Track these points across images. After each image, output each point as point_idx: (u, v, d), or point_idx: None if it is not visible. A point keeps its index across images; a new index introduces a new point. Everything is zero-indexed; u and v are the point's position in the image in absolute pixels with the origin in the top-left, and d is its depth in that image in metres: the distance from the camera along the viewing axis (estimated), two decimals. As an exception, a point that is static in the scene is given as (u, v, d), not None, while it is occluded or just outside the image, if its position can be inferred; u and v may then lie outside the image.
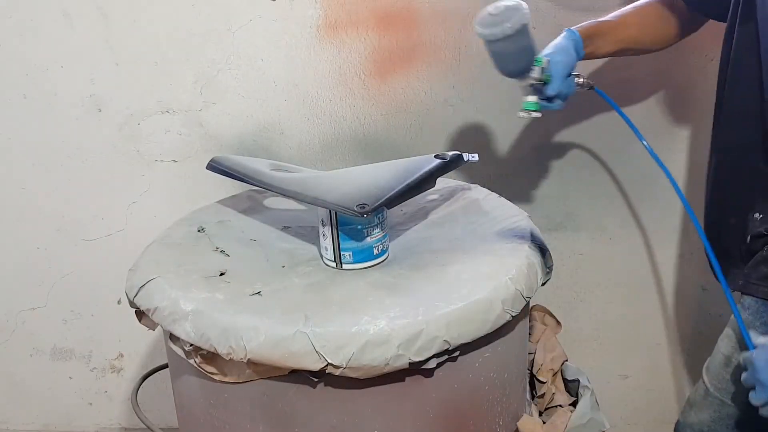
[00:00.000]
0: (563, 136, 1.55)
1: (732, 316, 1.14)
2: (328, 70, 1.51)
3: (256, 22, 1.48)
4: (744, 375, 0.99)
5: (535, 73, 1.09)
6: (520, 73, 1.08)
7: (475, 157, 1.20)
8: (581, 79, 1.17)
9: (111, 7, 1.48)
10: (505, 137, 1.55)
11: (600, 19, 1.21)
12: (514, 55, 1.05)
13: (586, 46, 1.17)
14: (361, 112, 1.54)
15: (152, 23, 1.49)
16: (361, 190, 1.03)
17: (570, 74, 1.14)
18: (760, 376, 0.95)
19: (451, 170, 1.15)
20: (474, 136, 1.55)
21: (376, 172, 1.12)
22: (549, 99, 1.13)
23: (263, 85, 1.52)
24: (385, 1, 1.45)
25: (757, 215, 1.07)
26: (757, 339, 1.00)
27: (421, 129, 1.55)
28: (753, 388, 0.97)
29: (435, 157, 1.14)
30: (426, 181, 1.09)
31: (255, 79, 1.52)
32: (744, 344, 1.09)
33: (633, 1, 1.25)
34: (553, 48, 1.14)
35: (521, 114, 1.12)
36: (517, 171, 1.58)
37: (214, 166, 1.27)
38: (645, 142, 1.10)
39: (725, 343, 1.15)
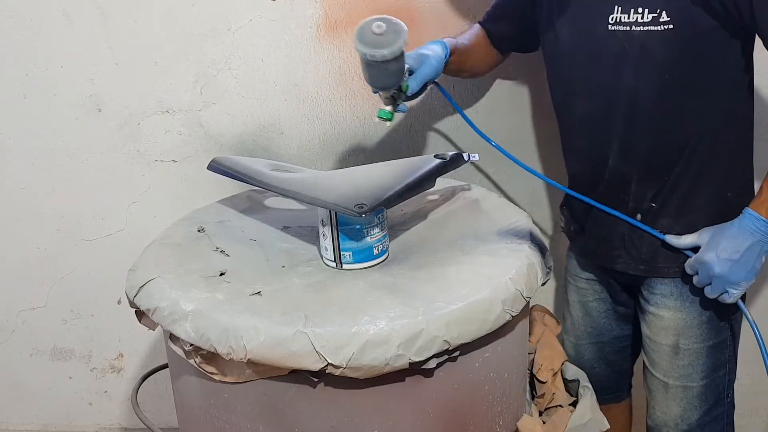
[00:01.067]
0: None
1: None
2: (328, 70, 1.51)
3: (256, 22, 1.47)
4: (696, 278, 1.10)
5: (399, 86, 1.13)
6: (388, 89, 1.11)
7: (476, 156, 1.20)
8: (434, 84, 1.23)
9: (111, 7, 1.48)
10: (505, 137, 1.55)
11: (458, 40, 1.28)
12: (387, 75, 1.07)
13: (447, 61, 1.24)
14: (361, 112, 1.54)
15: (152, 23, 1.49)
16: (359, 190, 1.03)
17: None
18: (713, 272, 1.05)
19: (451, 170, 1.15)
20: (474, 136, 1.55)
21: (376, 172, 1.12)
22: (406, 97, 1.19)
23: (263, 85, 1.52)
24: (385, 1, 1.45)
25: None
26: (681, 240, 1.10)
27: (421, 129, 1.55)
28: (709, 284, 1.08)
29: (435, 156, 1.14)
30: (425, 181, 1.09)
31: (255, 79, 1.52)
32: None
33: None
34: (421, 58, 1.17)
35: (376, 120, 1.16)
36: (517, 171, 1.58)
37: (215, 167, 1.27)
38: (491, 141, 1.23)
39: (664, 334, 1.19)
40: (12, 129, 1.60)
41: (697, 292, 1.13)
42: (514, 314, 0.98)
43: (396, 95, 1.14)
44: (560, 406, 1.19)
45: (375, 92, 1.15)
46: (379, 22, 1.03)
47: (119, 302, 1.74)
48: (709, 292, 1.08)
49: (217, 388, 0.98)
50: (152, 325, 1.07)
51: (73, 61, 1.53)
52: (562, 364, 1.26)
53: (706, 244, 1.07)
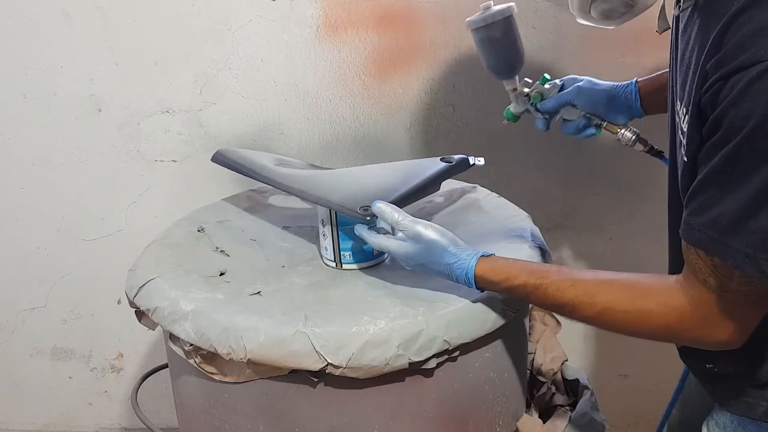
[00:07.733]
0: (564, 135, 1.55)
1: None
2: (328, 70, 1.51)
3: (256, 22, 1.48)
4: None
5: (527, 86, 1.16)
6: (504, 68, 1.13)
7: (481, 160, 1.20)
8: (628, 133, 1.12)
9: (111, 7, 1.48)
10: (505, 137, 1.55)
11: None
12: (496, 51, 1.10)
13: (649, 98, 1.11)
14: (361, 112, 1.54)
15: (152, 23, 1.49)
16: (365, 191, 1.02)
17: (576, 108, 1.15)
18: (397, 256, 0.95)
19: (456, 174, 1.13)
20: (474, 136, 1.55)
21: (381, 174, 1.11)
22: (541, 113, 1.17)
23: (263, 85, 1.52)
24: (385, 0, 1.45)
25: None
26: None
27: (421, 129, 1.55)
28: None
29: (441, 159, 1.13)
30: (431, 185, 1.08)
31: (255, 79, 1.52)
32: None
33: None
34: (572, 81, 1.15)
35: (504, 122, 1.22)
36: (517, 171, 1.58)
37: (219, 159, 1.27)
38: None
39: None
40: (12, 129, 1.60)
41: None
42: (514, 314, 0.98)
43: (522, 97, 1.16)
44: (560, 406, 1.19)
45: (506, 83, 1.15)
46: (488, 2, 1.08)
47: (119, 302, 1.74)
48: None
49: (217, 388, 0.98)
50: (152, 325, 1.07)
51: (73, 61, 1.53)
52: (562, 364, 1.26)
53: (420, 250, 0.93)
